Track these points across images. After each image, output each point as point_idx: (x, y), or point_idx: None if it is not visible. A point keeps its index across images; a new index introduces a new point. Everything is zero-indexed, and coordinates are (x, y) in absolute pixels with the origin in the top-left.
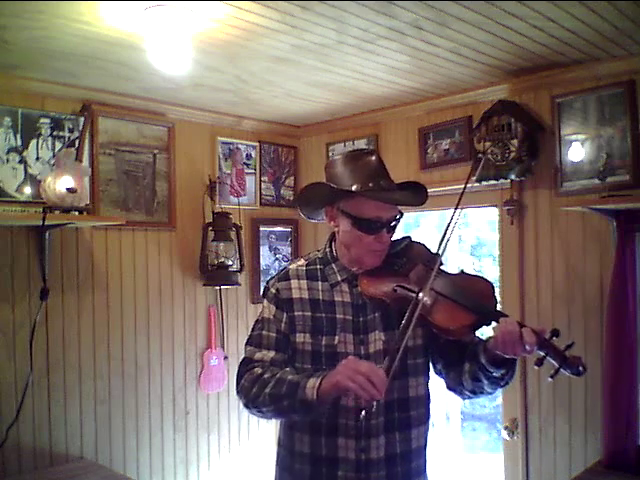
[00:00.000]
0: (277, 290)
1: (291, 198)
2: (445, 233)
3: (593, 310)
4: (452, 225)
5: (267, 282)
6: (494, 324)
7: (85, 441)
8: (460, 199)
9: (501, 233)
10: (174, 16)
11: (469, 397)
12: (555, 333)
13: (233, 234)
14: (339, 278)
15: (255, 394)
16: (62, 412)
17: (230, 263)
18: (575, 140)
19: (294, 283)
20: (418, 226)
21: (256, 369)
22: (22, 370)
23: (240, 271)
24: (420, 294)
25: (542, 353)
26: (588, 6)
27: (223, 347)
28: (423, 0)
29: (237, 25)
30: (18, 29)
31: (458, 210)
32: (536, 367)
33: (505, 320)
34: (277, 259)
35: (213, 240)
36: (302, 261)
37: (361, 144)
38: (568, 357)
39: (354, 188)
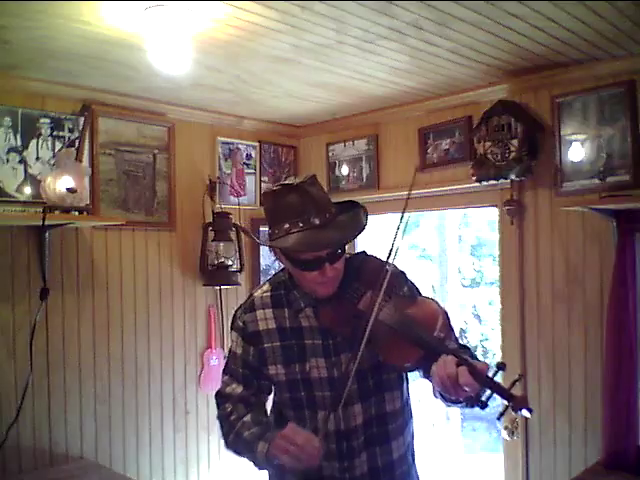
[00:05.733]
0: (244, 323)
1: None
2: (392, 246)
3: (593, 310)
4: (399, 233)
5: (235, 311)
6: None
7: (85, 441)
8: (406, 205)
9: (501, 233)
10: (174, 16)
11: (452, 406)
12: (500, 367)
13: (233, 234)
14: (302, 305)
15: (225, 434)
16: (62, 412)
17: (230, 263)
18: (575, 140)
19: (260, 314)
20: (418, 226)
21: (227, 405)
22: (22, 370)
23: (240, 271)
24: (363, 329)
25: (488, 392)
26: (588, 6)
27: (223, 347)
28: (423, 0)
29: (237, 25)
30: (18, 29)
31: (406, 215)
32: (481, 410)
33: (443, 360)
34: (277, 259)
35: (213, 240)
36: (266, 286)
37: (361, 144)
38: (514, 396)
39: (285, 227)
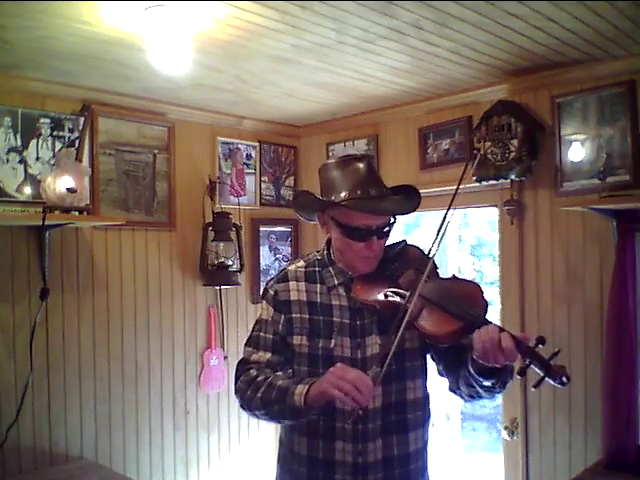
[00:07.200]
0: (275, 292)
1: (291, 198)
2: (437, 235)
3: (593, 310)
4: (444, 227)
5: (266, 283)
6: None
7: (85, 441)
8: (453, 200)
9: (501, 233)
10: (174, 16)
11: (469, 401)
12: (540, 341)
13: (233, 234)
14: (336, 282)
15: (249, 397)
16: (62, 412)
17: (230, 263)
18: (575, 140)
19: (292, 285)
20: (418, 226)
21: (251, 371)
22: (22, 370)
23: (240, 271)
24: (407, 300)
25: (526, 361)
26: (588, 6)
27: (223, 347)
28: (423, 0)
29: (237, 25)
30: (18, 29)
31: (451, 211)
32: (518, 377)
33: (486, 327)
34: (277, 259)
35: (213, 240)
36: (301, 262)
37: (361, 144)
38: (552, 366)
39: (342, 195)
